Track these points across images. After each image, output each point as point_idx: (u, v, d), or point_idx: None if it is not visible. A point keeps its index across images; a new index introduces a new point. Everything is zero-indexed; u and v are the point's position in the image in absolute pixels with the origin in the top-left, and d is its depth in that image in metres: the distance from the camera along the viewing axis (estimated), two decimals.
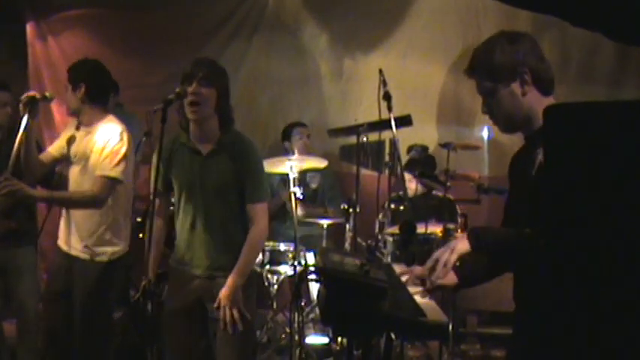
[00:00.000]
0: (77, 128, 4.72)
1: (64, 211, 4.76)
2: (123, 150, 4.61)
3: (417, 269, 3.31)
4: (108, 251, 4.71)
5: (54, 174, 5.00)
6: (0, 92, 5.31)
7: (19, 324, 5.32)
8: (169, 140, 4.18)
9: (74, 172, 4.68)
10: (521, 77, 2.80)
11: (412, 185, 6.52)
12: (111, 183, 4.58)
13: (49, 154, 4.74)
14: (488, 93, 2.88)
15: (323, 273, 3.14)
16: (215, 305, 3.97)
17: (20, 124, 4.46)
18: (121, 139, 4.63)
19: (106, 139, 4.59)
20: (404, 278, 3.35)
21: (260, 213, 4.11)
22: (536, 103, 2.80)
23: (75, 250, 4.68)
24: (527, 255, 2.72)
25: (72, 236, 4.69)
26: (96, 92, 4.71)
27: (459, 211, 6.40)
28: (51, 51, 8.30)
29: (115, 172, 4.57)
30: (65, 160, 4.73)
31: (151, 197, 4.02)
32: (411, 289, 3.23)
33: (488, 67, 2.84)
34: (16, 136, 4.48)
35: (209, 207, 4.07)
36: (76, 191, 4.66)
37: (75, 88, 4.65)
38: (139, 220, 6.20)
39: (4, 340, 5.48)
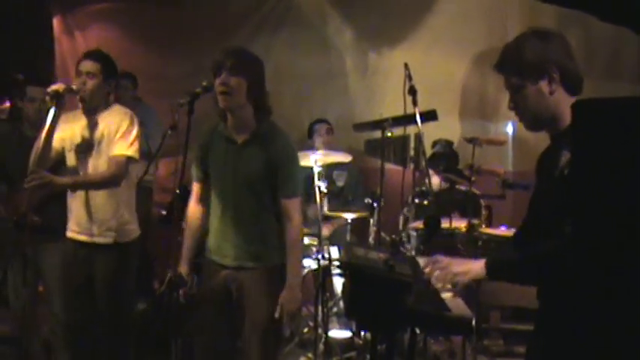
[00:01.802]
0: (89, 118, 4.76)
1: (78, 201, 4.78)
2: (135, 130, 4.72)
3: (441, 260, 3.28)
4: (128, 230, 4.81)
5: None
6: (32, 88, 5.38)
7: (49, 317, 5.36)
8: (209, 129, 4.21)
9: (87, 159, 4.72)
10: (549, 75, 2.78)
11: (435, 180, 6.51)
12: (127, 161, 4.69)
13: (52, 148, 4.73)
14: (516, 89, 2.86)
15: (348, 267, 3.15)
16: (277, 314, 3.99)
17: (47, 116, 4.50)
18: (132, 121, 4.74)
19: (118, 122, 4.70)
20: (426, 269, 3.34)
21: (294, 208, 4.10)
22: (563, 102, 2.78)
23: (97, 237, 4.73)
24: (546, 277, 2.73)
25: (93, 223, 4.73)
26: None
27: (483, 206, 6.39)
28: (77, 45, 8.35)
29: (132, 151, 4.69)
30: (72, 150, 4.77)
31: (177, 191, 4.04)
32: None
33: (517, 64, 2.82)
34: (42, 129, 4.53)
35: (240, 196, 4.08)
36: (95, 173, 4.71)
37: (106, 81, 4.73)
38: (163, 212, 6.21)
39: (40, 330, 5.51)
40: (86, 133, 4.73)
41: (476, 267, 2.92)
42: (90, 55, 4.82)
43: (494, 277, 2.94)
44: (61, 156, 4.78)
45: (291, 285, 4.04)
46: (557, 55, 2.80)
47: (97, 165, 4.71)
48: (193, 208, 4.32)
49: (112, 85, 4.83)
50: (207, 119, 4.22)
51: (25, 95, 5.41)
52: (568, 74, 2.80)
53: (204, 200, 4.31)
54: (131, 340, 4.95)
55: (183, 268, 4.20)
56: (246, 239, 4.10)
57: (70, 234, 4.83)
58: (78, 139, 4.73)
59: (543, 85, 2.79)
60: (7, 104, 6.90)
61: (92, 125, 4.73)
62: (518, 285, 3.06)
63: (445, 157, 6.69)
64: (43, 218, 5.10)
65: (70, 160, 4.77)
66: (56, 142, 4.71)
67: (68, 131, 4.75)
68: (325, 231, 6.03)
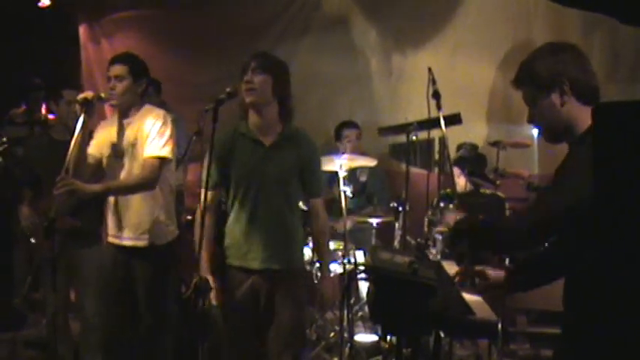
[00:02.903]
0: (123, 121, 4.79)
1: (113, 205, 4.81)
2: (168, 131, 4.71)
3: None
4: (165, 232, 4.84)
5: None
6: (69, 91, 5.44)
7: (80, 321, 5.41)
8: (228, 133, 4.23)
9: (123, 162, 4.76)
10: (560, 88, 2.81)
11: (460, 181, 6.52)
12: (161, 163, 4.67)
13: (90, 155, 4.76)
14: (531, 103, 2.92)
15: (372, 271, 3.17)
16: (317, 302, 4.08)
17: (76, 124, 4.52)
18: (165, 122, 4.73)
19: (151, 123, 4.70)
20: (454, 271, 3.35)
21: (321, 206, 4.29)
22: (576, 113, 2.82)
23: (131, 241, 4.77)
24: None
25: (127, 228, 4.77)
26: (149, 88, 4.86)
27: (507, 209, 6.37)
28: (104, 52, 8.41)
29: (165, 152, 4.67)
30: (110, 155, 4.80)
31: (202, 196, 4.07)
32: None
33: (529, 78, 2.89)
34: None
35: (269, 198, 4.11)
36: (127, 178, 4.73)
37: (136, 81, 4.76)
38: (189, 218, 6.24)
39: (70, 335, 5.55)
40: (121, 137, 4.76)
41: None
42: (117, 58, 4.85)
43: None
44: (100, 163, 4.82)
45: (327, 272, 4.29)
46: (567, 67, 2.83)
47: (132, 168, 4.73)
48: (208, 217, 4.30)
49: (144, 84, 4.83)
50: (232, 125, 4.25)
51: (61, 98, 5.46)
52: (580, 85, 2.83)
53: (216, 208, 4.37)
54: (169, 344, 4.97)
55: (210, 277, 4.23)
56: (274, 241, 4.13)
57: (109, 239, 4.87)
58: (114, 144, 4.77)
59: (555, 97, 2.83)
60: (23, 108, 6.99)
61: (126, 128, 4.76)
62: (553, 283, 3.06)
63: (470, 160, 6.68)
64: (80, 222, 5.15)
65: (108, 165, 4.81)
66: (94, 149, 4.76)
67: (105, 137, 4.79)
68: (348, 224, 6.03)
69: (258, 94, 4.03)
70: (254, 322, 4.20)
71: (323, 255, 4.42)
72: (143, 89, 4.84)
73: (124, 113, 4.79)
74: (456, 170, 6.36)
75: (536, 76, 2.85)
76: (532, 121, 2.97)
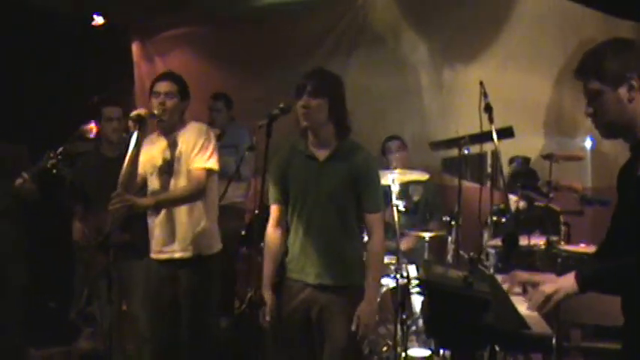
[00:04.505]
0: (166, 138, 4.87)
1: (161, 222, 4.87)
2: (211, 143, 4.82)
3: (520, 275, 3.28)
4: (210, 243, 4.90)
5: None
6: (108, 108, 5.55)
7: (134, 333, 5.47)
8: (287, 149, 4.26)
9: (169, 178, 4.83)
10: (629, 83, 2.78)
11: (513, 198, 6.47)
12: (207, 174, 4.79)
13: None
14: (594, 96, 2.85)
15: (427, 285, 3.17)
16: (354, 327, 4.01)
17: (130, 140, 4.58)
18: (207, 135, 4.85)
19: (195, 138, 4.81)
20: (505, 285, 3.33)
21: (377, 223, 4.15)
22: None
23: (179, 253, 4.82)
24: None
25: (176, 241, 4.82)
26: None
27: (562, 223, 6.32)
28: (157, 69, 8.49)
29: (211, 164, 4.80)
30: (154, 172, 4.87)
31: (256, 211, 4.10)
32: (513, 298, 3.22)
33: (598, 70, 2.82)
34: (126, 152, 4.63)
35: (322, 213, 4.09)
36: (175, 189, 4.81)
37: (182, 101, 4.87)
38: (243, 233, 6.27)
39: (123, 347, 5.61)
40: (166, 154, 4.82)
41: (565, 284, 2.81)
42: (167, 76, 4.95)
43: (588, 290, 2.86)
44: (144, 180, 4.88)
45: (370, 298, 4.06)
46: (637, 63, 2.79)
47: (178, 184, 4.80)
48: (272, 232, 4.31)
49: (187, 105, 4.93)
50: (285, 141, 4.28)
51: (101, 116, 5.57)
52: None
53: (283, 223, 4.31)
54: (214, 354, 5.01)
55: (267, 292, 4.23)
56: (328, 256, 4.10)
57: (153, 255, 4.92)
58: (158, 161, 4.82)
59: (622, 92, 2.78)
60: (92, 125, 7.12)
61: (170, 145, 4.83)
62: (608, 297, 3.00)
63: (522, 175, 6.63)
64: (130, 235, 5.23)
65: (153, 183, 4.86)
66: (139, 166, 4.82)
67: (148, 155, 4.85)
68: (403, 245, 6.02)
69: (314, 118, 4.01)
70: (305, 336, 4.21)
71: (367, 277, 4.12)
72: (186, 106, 4.95)
73: (168, 130, 4.87)
74: (513, 197, 6.31)
75: (604, 70, 2.80)
76: (591, 115, 2.92)
